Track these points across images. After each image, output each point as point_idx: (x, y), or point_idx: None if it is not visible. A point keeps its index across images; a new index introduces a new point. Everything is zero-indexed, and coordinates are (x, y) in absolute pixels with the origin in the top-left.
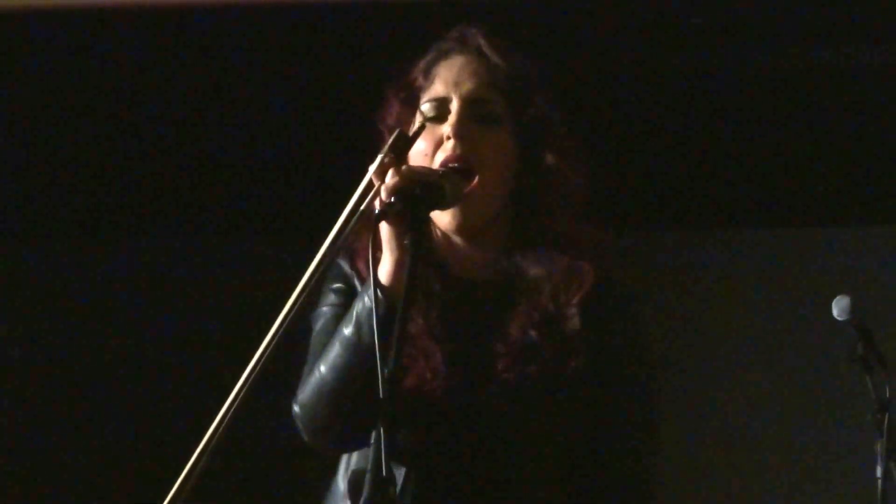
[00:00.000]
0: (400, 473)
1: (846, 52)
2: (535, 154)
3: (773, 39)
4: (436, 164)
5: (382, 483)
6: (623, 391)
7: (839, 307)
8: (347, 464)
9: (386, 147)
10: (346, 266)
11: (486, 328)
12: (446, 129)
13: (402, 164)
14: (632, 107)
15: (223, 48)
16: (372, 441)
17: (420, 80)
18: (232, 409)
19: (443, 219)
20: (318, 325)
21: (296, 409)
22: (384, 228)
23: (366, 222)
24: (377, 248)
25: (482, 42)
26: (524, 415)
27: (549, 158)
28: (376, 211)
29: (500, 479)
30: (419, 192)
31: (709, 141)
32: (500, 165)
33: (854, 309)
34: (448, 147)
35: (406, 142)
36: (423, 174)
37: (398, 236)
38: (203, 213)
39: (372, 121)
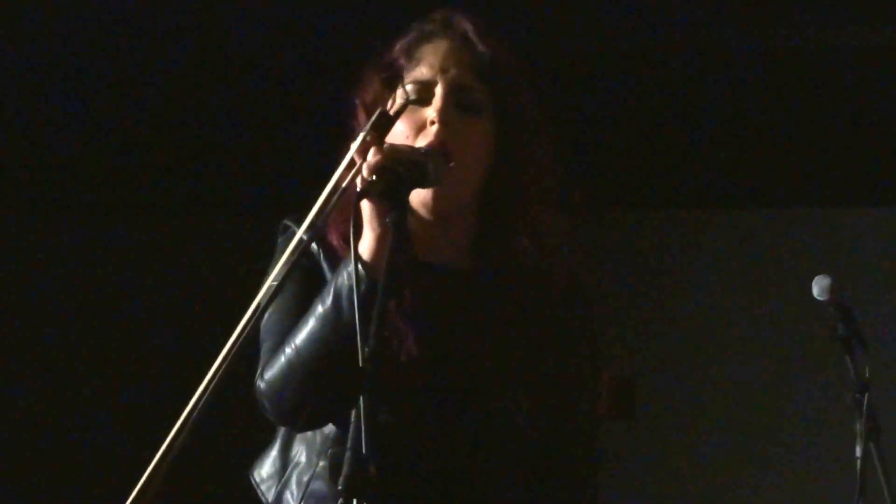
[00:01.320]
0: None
1: (826, 34)
2: (513, 144)
3: (756, 19)
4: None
5: (363, 461)
6: (579, 383)
7: (820, 287)
8: (287, 438)
9: (368, 125)
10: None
11: (457, 317)
12: (430, 113)
13: (383, 143)
14: (608, 87)
15: (206, 26)
16: (352, 419)
17: (402, 60)
18: (209, 389)
19: (415, 198)
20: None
21: (262, 386)
22: (366, 206)
23: (343, 199)
24: (358, 226)
25: (469, 28)
26: (497, 403)
27: (527, 150)
28: (358, 189)
29: (472, 463)
30: (402, 170)
31: (688, 121)
32: (478, 153)
33: (834, 289)
34: (431, 132)
35: (388, 120)
36: (406, 153)
37: (380, 214)
38: (181, 191)
39: (351, 98)
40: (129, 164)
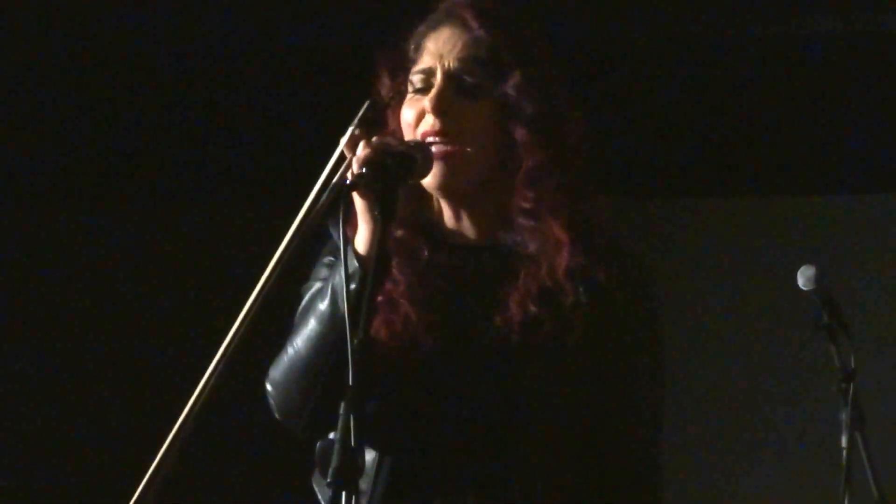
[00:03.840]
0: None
1: (810, 22)
2: (513, 127)
3: (741, 8)
4: (417, 136)
5: (351, 452)
6: (627, 370)
7: (805, 277)
8: None
9: (356, 118)
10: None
11: (481, 299)
12: (426, 102)
13: (372, 135)
14: (592, 75)
15: (208, 16)
16: (341, 411)
17: (411, 52)
18: (209, 386)
19: (427, 179)
20: (304, 299)
21: (268, 386)
22: (357, 200)
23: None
24: (348, 221)
25: (468, 13)
26: (520, 388)
27: (521, 133)
28: (348, 182)
29: (488, 454)
30: (390, 162)
31: (672, 110)
32: (479, 137)
33: (819, 278)
34: (427, 121)
35: (377, 112)
36: (394, 145)
37: (371, 207)
38: (175, 180)
39: (345, 89)
40: (126, 152)
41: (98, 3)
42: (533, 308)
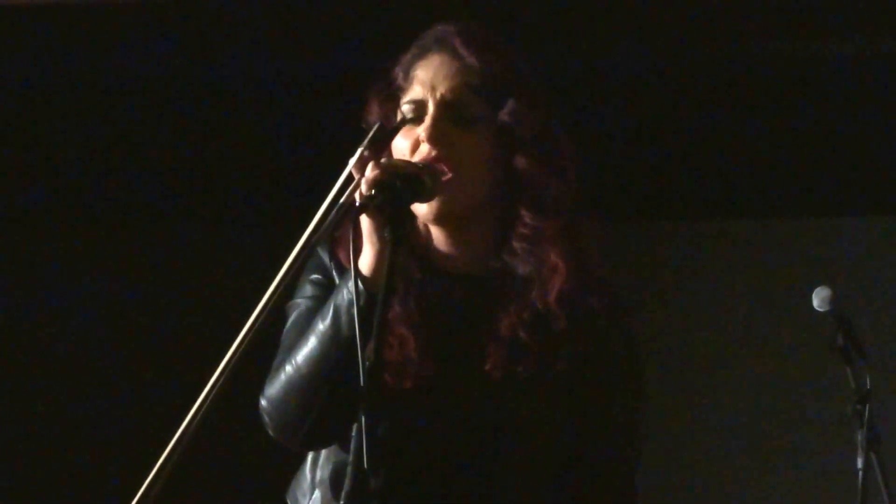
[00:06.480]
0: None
1: (822, 45)
2: (508, 155)
3: (756, 32)
4: None
5: (364, 475)
6: (611, 397)
7: (820, 298)
8: (315, 456)
9: (365, 140)
10: (325, 257)
11: (472, 324)
12: (421, 132)
13: (381, 157)
14: (606, 98)
15: (213, 38)
16: (353, 434)
17: (400, 79)
18: (207, 402)
19: (420, 209)
20: (292, 317)
21: (263, 403)
22: (365, 221)
23: (347, 215)
24: (357, 241)
25: (457, 42)
26: (508, 414)
27: (521, 161)
28: (356, 204)
29: (477, 478)
30: (399, 184)
31: (686, 132)
32: (474, 165)
33: (835, 300)
34: (423, 150)
35: (385, 135)
36: (403, 167)
37: (379, 229)
38: (179, 203)
39: (352, 111)
40: (130, 174)
41: (107, 28)
42: (523, 334)
